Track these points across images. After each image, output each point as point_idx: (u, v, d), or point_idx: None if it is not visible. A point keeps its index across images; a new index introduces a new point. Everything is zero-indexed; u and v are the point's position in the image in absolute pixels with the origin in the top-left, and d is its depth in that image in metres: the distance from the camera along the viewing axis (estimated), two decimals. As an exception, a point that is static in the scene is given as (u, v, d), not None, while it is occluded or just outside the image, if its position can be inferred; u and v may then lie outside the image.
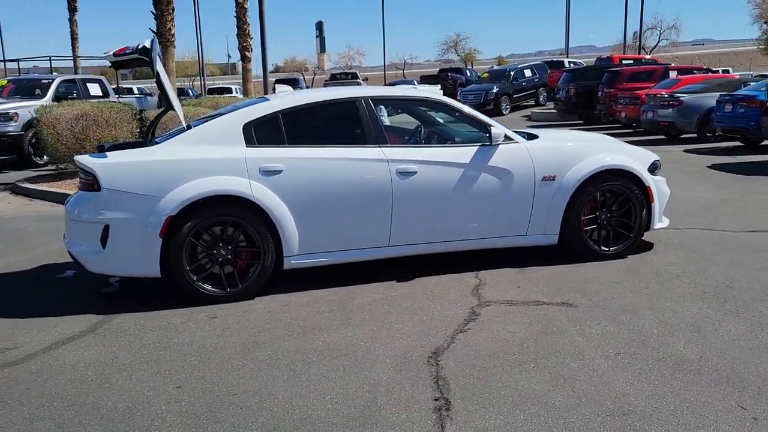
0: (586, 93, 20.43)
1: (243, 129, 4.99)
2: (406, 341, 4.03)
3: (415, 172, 5.12)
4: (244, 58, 20.22)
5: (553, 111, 23.35)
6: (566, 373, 3.53)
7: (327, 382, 3.52)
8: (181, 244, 4.73)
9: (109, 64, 5.58)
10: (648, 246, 5.98)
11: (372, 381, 3.51)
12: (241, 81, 20.09)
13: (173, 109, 5.02)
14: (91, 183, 4.75)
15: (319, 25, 48.69)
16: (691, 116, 14.59)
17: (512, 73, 27.67)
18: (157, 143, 5.00)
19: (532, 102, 28.30)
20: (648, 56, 32.82)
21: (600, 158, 5.53)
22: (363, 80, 38.75)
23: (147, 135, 5.92)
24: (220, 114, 5.31)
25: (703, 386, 3.33)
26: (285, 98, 5.28)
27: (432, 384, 3.45)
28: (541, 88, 28.33)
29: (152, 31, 12.40)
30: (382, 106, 6.54)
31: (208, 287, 4.85)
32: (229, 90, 34.60)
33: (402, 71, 58.58)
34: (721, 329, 4.05)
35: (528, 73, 28.22)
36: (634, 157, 5.68)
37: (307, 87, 39.91)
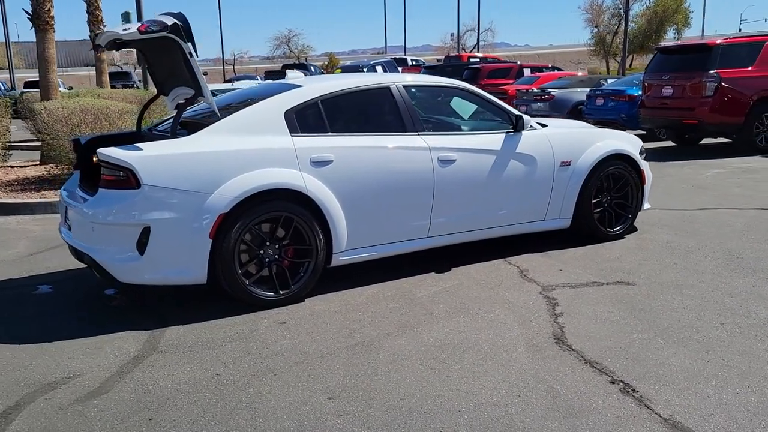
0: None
1: (285, 116, 4.59)
2: (514, 330, 3.95)
3: (455, 160, 5.03)
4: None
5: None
6: (705, 343, 3.66)
7: (481, 376, 3.36)
8: (233, 244, 4.26)
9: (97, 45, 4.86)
10: (632, 227, 6.35)
11: (527, 370, 3.40)
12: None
13: (203, 95, 4.45)
14: (124, 179, 4.11)
15: (126, 16, 45.44)
16: (562, 109, 15.71)
17: (365, 70, 27.94)
18: (180, 134, 4.42)
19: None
20: (493, 55, 34.81)
21: (606, 143, 5.79)
22: (203, 74, 37.01)
23: (138, 124, 5.29)
24: (228, 104, 4.81)
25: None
26: (320, 83, 4.93)
27: (588, 368, 3.42)
28: (392, 84, 28.87)
29: (26, 12, 10.91)
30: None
31: (261, 291, 4.41)
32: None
33: (232, 66, 56.91)
34: (778, 295, 4.43)
35: (379, 69, 28.66)
36: (629, 143, 6.02)
37: (140, 81, 37.37)
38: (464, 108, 5.83)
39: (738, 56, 11.13)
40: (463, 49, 56.37)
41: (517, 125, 5.36)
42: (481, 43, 59.42)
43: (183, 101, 4.52)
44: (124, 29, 4.29)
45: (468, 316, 4.19)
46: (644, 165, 6.03)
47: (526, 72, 20.58)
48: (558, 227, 5.72)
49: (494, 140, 5.28)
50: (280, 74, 34.74)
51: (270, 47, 67.98)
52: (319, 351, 3.73)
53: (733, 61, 11.05)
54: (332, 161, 4.57)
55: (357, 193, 4.66)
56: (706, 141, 13.18)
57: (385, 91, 5.02)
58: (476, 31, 58.60)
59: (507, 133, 5.37)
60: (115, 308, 4.64)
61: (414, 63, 32.42)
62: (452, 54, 32.32)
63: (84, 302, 4.75)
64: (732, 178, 9.02)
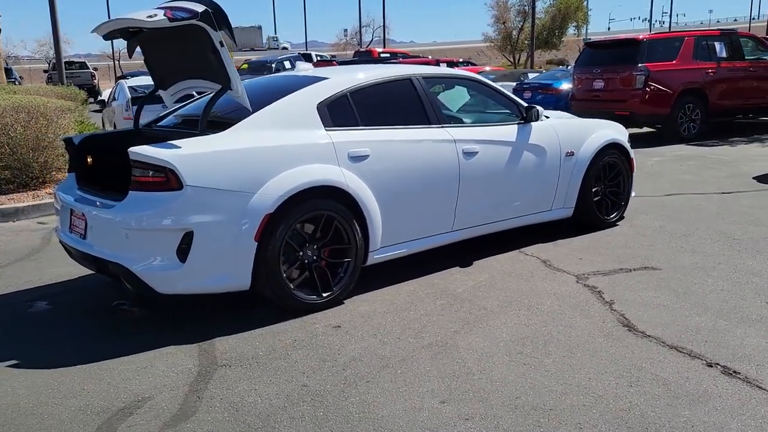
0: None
1: (318, 109, 4.36)
2: (578, 320, 3.95)
3: (477, 152, 4.98)
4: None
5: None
6: (766, 322, 3.81)
7: (579, 368, 3.32)
8: (279, 246, 4.00)
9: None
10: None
11: (620, 359, 3.40)
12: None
13: (230, 88, 4.12)
14: (163, 181, 3.75)
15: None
16: (487, 103, 16.03)
17: (274, 65, 27.34)
18: (209, 132, 4.09)
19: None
20: (402, 50, 34.98)
21: (603, 133, 5.93)
22: (93, 69, 35.03)
23: (135, 123, 4.88)
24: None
25: None
26: (345, 75, 4.71)
27: (677, 353, 3.46)
28: (301, 80, 28.46)
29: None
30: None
31: (304, 295, 4.17)
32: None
33: (115, 61, 53.97)
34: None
35: (288, 64, 28.16)
36: (620, 133, 6.19)
37: (21, 78, 34.77)
38: (454, 99, 5.81)
39: (662, 51, 11.77)
40: (359, 45, 56.44)
41: (528, 116, 5.38)
42: (378, 39, 59.74)
43: (211, 95, 4.17)
44: (149, 16, 3.90)
45: (524, 309, 4.14)
46: (633, 154, 6.23)
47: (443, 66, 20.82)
48: (562, 217, 5.80)
49: (510, 131, 5.28)
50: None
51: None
52: (397, 354, 3.56)
53: (658, 56, 11.68)
54: (368, 156, 4.40)
55: (391, 188, 4.51)
56: (631, 131, 13.84)
57: (407, 82, 4.89)
58: (371, 27, 58.96)
59: (519, 123, 5.37)
60: (135, 321, 4.24)
61: (319, 58, 32.05)
62: (358, 50, 32.22)
63: (94, 316, 4.31)
64: (674, 165, 9.51)
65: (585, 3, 40.88)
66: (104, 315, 4.36)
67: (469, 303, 4.28)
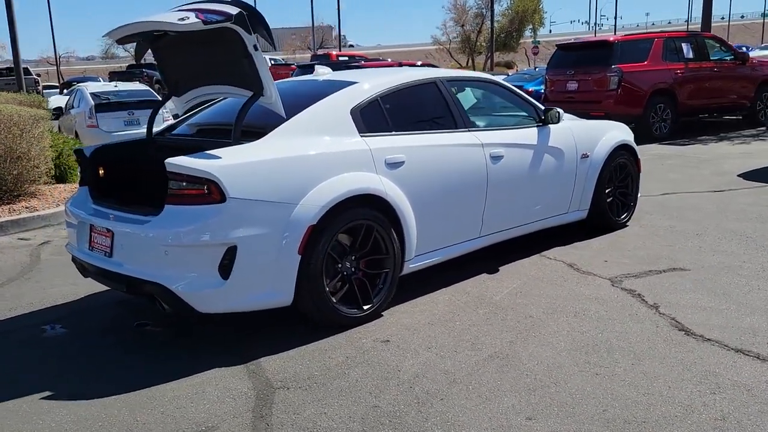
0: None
1: (352, 115, 4.19)
2: (630, 325, 3.89)
3: (503, 156, 4.89)
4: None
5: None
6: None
7: (653, 377, 3.24)
8: (322, 258, 3.82)
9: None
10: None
11: (691, 365, 3.35)
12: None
13: (262, 94, 3.90)
14: (204, 193, 3.53)
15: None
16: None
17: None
18: (243, 141, 3.87)
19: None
20: (359, 53, 34.81)
21: (613, 135, 5.92)
22: (37, 76, 33.72)
23: (149, 130, 4.62)
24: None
25: None
26: (375, 79, 4.56)
27: (744, 356, 3.42)
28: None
29: None
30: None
31: (345, 309, 4.00)
32: None
33: (56, 68, 52.24)
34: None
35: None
36: (628, 134, 6.20)
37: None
38: (464, 101, 5.71)
39: (633, 52, 11.97)
40: (309, 48, 56.12)
41: (546, 118, 5.32)
42: (326, 44, 59.48)
43: (244, 103, 3.93)
44: (180, 19, 3.66)
45: (570, 316, 4.06)
46: (639, 154, 6.26)
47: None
48: (577, 219, 5.76)
49: (531, 134, 5.21)
50: (126, 75, 32.63)
51: (102, 45, 63.29)
52: (461, 368, 3.43)
53: (630, 57, 11.87)
54: (404, 162, 4.25)
55: (425, 194, 4.37)
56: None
57: (432, 86, 4.77)
58: (312, 31, 58.51)
59: (537, 126, 5.31)
60: (164, 342, 3.98)
61: (273, 62, 31.68)
62: (314, 53, 31.94)
63: (118, 339, 4.05)
64: (656, 164, 9.64)
65: (541, 6, 41.71)
66: (128, 337, 4.09)
67: (512, 311, 4.18)
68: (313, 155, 3.87)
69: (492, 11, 27.70)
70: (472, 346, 3.70)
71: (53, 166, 8.69)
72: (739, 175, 8.46)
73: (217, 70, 4.19)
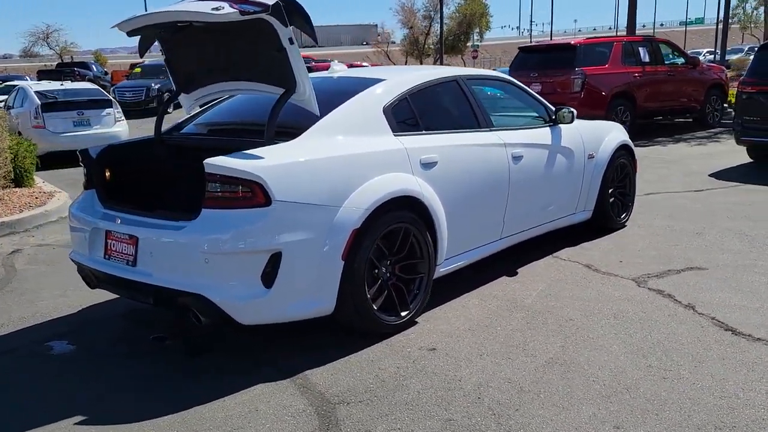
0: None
1: (384, 113, 4.01)
2: (674, 327, 3.85)
3: (522, 156, 4.80)
4: None
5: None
6: None
7: (723, 380, 3.19)
8: (364, 264, 3.63)
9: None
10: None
11: (757, 367, 3.32)
12: None
13: (295, 91, 3.64)
14: (248, 196, 3.28)
15: None
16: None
17: (169, 69, 26.00)
18: (277, 141, 3.61)
19: (191, 99, 27.06)
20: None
21: (614, 135, 5.93)
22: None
23: (157, 129, 4.31)
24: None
25: None
26: (401, 76, 4.38)
27: (797, 354, 3.43)
28: (198, 85, 27.33)
29: None
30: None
31: (385, 316, 3.81)
32: None
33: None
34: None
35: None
36: (624, 133, 6.22)
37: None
38: None
39: (595, 55, 12.17)
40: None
41: (557, 118, 5.27)
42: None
43: (277, 100, 3.67)
44: (215, 9, 3.39)
45: (611, 318, 4.00)
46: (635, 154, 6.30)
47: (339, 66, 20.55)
48: (583, 220, 5.73)
49: (545, 134, 5.15)
50: (56, 74, 31.25)
51: (25, 43, 60.28)
52: (523, 376, 3.29)
53: (591, 60, 12.06)
54: (437, 162, 4.10)
55: (456, 196, 4.23)
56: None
57: (454, 84, 4.63)
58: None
59: (549, 126, 5.25)
60: (190, 356, 3.70)
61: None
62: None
63: (134, 354, 3.74)
64: (626, 165, 9.79)
65: (488, 9, 42.29)
66: (146, 352, 3.78)
67: (550, 315, 4.08)
68: (355, 155, 3.68)
69: (441, 13, 27.84)
70: (524, 352, 3.57)
71: (11, 169, 8.12)
72: (710, 175, 8.67)
73: (241, 65, 3.93)
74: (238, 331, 3.75)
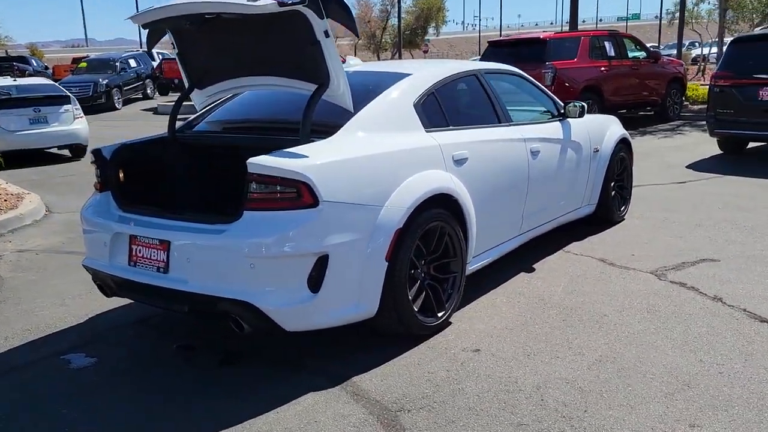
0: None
1: (415, 108, 3.90)
2: (710, 320, 3.86)
3: (540, 151, 4.76)
4: None
5: (186, 103, 22.24)
6: None
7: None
8: (406, 265, 3.51)
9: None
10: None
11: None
12: None
13: (326, 86, 3.48)
14: (293, 197, 3.12)
15: None
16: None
17: (118, 64, 25.21)
18: (313, 138, 3.46)
19: (140, 95, 26.34)
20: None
21: (615, 129, 5.96)
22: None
23: (171, 127, 4.10)
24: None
25: None
26: (425, 70, 4.26)
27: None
28: (148, 80, 26.63)
29: None
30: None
31: (424, 317, 3.70)
32: None
33: None
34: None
35: (133, 63, 26.11)
36: (622, 127, 6.26)
37: None
38: None
39: (564, 49, 12.28)
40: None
41: (565, 112, 5.25)
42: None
43: (311, 95, 3.50)
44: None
45: (644, 312, 3.99)
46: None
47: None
48: (588, 213, 5.73)
49: (557, 128, 5.13)
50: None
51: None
52: (579, 376, 3.24)
53: (561, 54, 12.17)
54: (467, 159, 4.01)
55: (484, 192, 4.15)
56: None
57: (474, 79, 4.54)
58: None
59: (560, 120, 5.23)
60: (223, 365, 3.51)
61: (163, 57, 30.07)
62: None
63: (161, 363, 3.54)
64: (602, 158, 9.91)
65: (444, 4, 42.31)
66: (173, 361, 3.57)
67: (582, 311, 4.04)
68: (395, 153, 3.55)
69: (399, 8, 27.74)
70: (571, 350, 3.52)
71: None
72: (687, 167, 8.85)
73: (268, 59, 3.74)
74: (269, 337, 3.58)
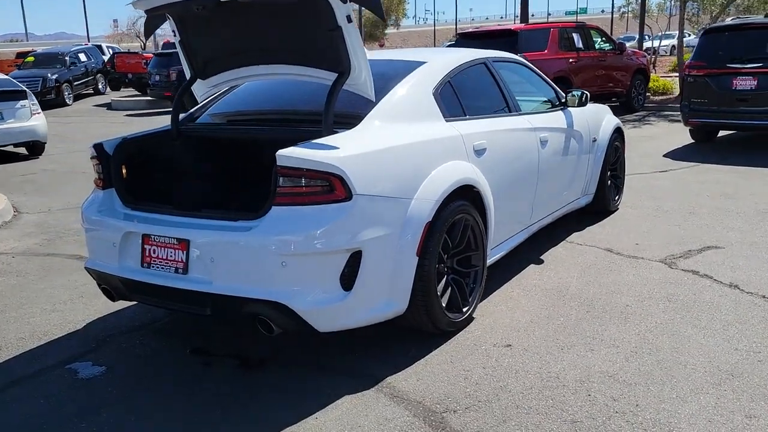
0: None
1: (434, 97, 3.76)
2: (731, 312, 3.84)
3: (548, 141, 4.69)
4: None
5: (142, 98, 21.66)
6: None
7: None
8: (434, 259, 3.38)
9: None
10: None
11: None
12: None
13: (347, 74, 3.29)
14: (325, 190, 2.95)
15: None
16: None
17: (67, 58, 24.31)
18: (337, 130, 3.28)
19: (91, 90, 25.48)
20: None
21: (610, 118, 5.95)
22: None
23: (175, 120, 3.88)
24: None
25: None
26: (440, 58, 4.13)
27: None
28: (99, 75, 25.77)
29: None
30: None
31: (451, 313, 3.58)
32: None
33: None
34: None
35: (83, 57, 25.20)
36: (615, 116, 6.24)
37: None
38: None
39: (534, 41, 12.30)
40: (137, 36, 52.84)
41: (567, 101, 5.20)
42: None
43: (333, 84, 3.32)
44: None
45: (665, 302, 3.95)
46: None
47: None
48: (586, 204, 5.70)
49: (561, 117, 5.06)
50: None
51: None
52: (619, 368, 3.16)
53: (532, 45, 12.17)
54: (486, 149, 3.90)
55: (500, 183, 4.05)
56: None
57: (483, 67, 4.43)
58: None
59: (563, 109, 5.17)
60: (244, 370, 3.32)
61: (114, 51, 29.18)
62: (167, 41, 29.71)
63: (175, 370, 3.33)
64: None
65: None
66: (187, 369, 3.36)
67: (603, 302, 3.98)
68: (421, 143, 3.42)
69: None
70: (603, 343, 3.44)
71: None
72: (664, 156, 8.95)
73: (281, 46, 3.54)
74: (288, 336, 3.41)
